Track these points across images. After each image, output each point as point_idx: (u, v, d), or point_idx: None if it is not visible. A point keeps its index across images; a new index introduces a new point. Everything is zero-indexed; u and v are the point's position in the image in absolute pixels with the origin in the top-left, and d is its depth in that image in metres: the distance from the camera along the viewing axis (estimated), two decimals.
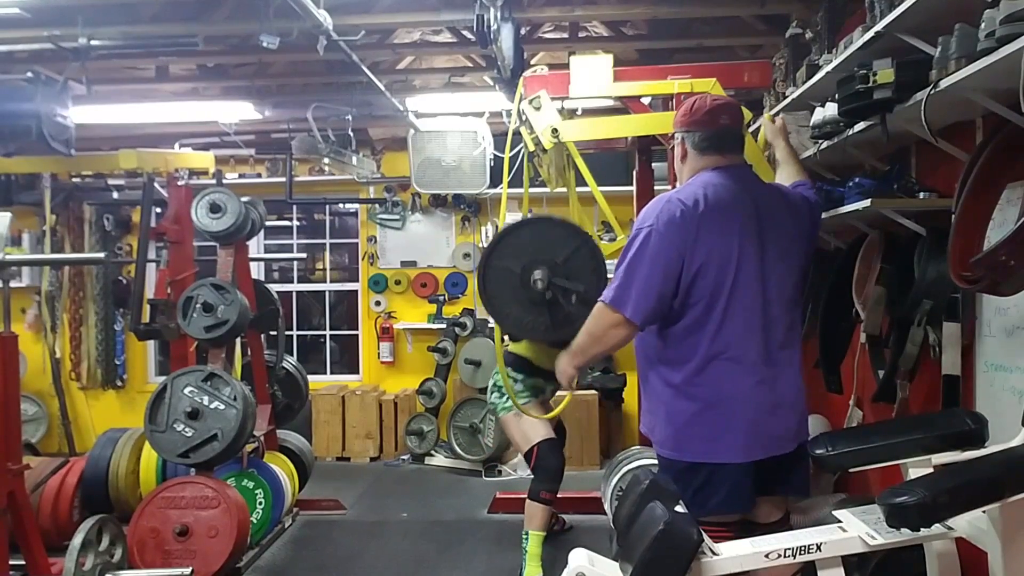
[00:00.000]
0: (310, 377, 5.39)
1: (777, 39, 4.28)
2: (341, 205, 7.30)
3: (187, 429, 3.65)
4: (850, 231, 3.36)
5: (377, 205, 6.89)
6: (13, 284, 3.44)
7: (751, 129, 3.20)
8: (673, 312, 2.30)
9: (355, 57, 4.21)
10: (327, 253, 7.44)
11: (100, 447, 4.53)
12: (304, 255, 7.12)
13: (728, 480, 2.25)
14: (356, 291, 7.13)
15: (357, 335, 7.12)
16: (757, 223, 2.32)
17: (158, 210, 5.10)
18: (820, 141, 3.15)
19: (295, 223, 7.29)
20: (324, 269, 7.47)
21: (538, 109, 3.41)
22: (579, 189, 3.82)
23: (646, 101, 3.77)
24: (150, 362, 7.20)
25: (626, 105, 3.80)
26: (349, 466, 6.32)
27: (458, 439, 6.05)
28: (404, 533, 4.61)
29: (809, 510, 3.02)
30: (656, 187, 3.96)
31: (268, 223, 5.34)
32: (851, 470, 2.72)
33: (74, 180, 6.62)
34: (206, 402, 3.68)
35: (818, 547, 2.01)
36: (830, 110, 2.97)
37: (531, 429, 3.67)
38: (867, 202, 2.68)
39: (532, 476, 3.76)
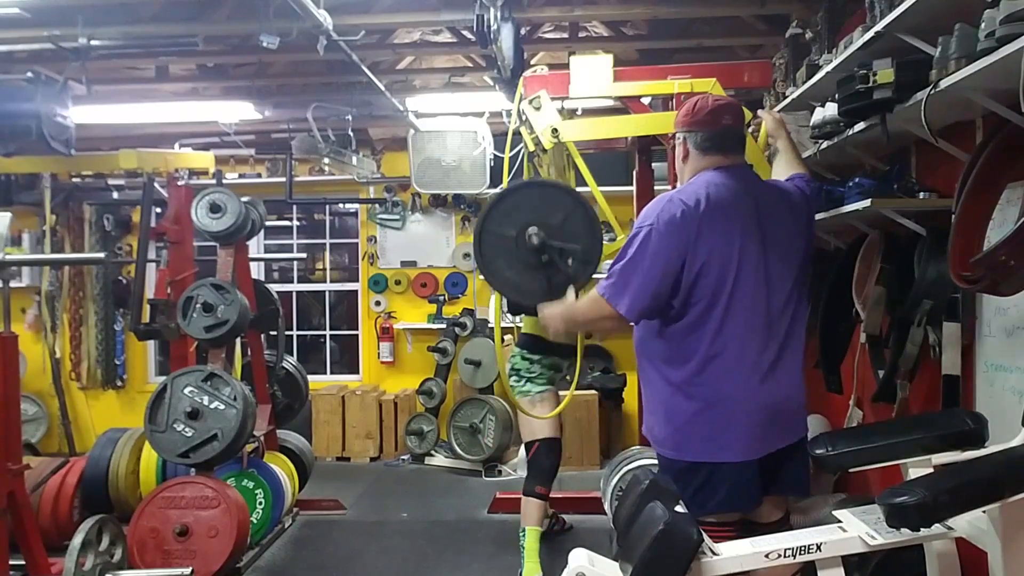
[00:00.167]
0: (310, 377, 5.39)
1: (777, 39, 4.28)
2: (341, 205, 7.30)
3: (187, 429, 3.65)
4: (850, 231, 3.36)
5: (377, 205, 6.89)
6: (13, 284, 3.44)
7: (750, 129, 3.20)
8: (674, 311, 2.30)
9: (355, 57, 4.21)
10: (327, 253, 7.44)
11: (100, 447, 4.53)
12: (304, 255, 7.12)
13: (728, 479, 2.25)
14: (356, 291, 7.14)
15: (357, 335, 7.12)
16: (758, 223, 2.32)
17: (158, 210, 5.10)
18: (820, 141, 3.15)
19: (295, 223, 7.29)
20: (324, 269, 7.47)
21: (538, 109, 3.41)
22: (579, 189, 3.81)
23: (646, 101, 3.77)
24: (150, 362, 7.20)
25: (626, 105, 3.80)
26: (349, 466, 6.32)
27: (458, 439, 6.05)
28: (404, 533, 4.61)
29: (809, 510, 3.03)
30: (656, 187, 3.96)
31: (268, 223, 5.34)
32: (851, 470, 2.72)
33: (74, 180, 6.62)
34: (206, 402, 3.68)
35: (818, 547, 2.01)
36: (830, 110, 2.97)
37: (540, 424, 3.70)
38: (867, 202, 2.68)
39: (526, 472, 3.79)
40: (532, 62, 4.78)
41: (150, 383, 7.01)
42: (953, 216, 2.22)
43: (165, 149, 5.72)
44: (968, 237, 2.19)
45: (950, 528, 1.97)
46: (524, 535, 3.68)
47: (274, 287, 5.58)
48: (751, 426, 2.26)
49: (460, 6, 3.87)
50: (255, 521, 4.07)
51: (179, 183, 4.74)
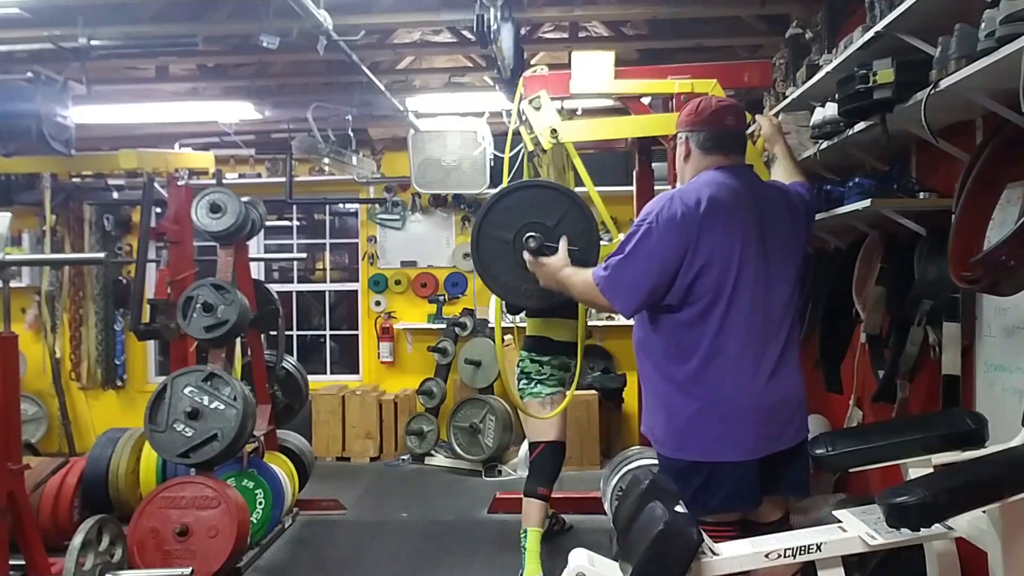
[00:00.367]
0: (310, 377, 5.39)
1: (777, 39, 4.28)
2: (341, 205, 7.30)
3: (187, 429, 3.64)
4: (850, 231, 3.36)
5: (377, 205, 6.89)
6: (13, 284, 3.44)
7: (749, 131, 3.20)
8: (674, 310, 2.31)
9: (355, 57, 4.21)
10: (327, 253, 7.44)
11: (100, 447, 4.53)
12: (304, 255, 7.11)
13: (729, 479, 2.25)
14: (356, 291, 7.13)
15: (357, 335, 7.12)
16: (759, 223, 2.33)
17: (158, 210, 5.10)
18: (820, 141, 3.15)
19: (295, 223, 7.29)
20: (324, 269, 7.47)
21: (538, 109, 3.41)
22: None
23: (646, 101, 3.77)
24: (150, 362, 7.20)
25: (626, 105, 3.80)
26: (349, 466, 6.32)
27: (458, 439, 6.05)
28: (404, 533, 4.61)
29: (809, 510, 3.03)
30: (656, 187, 3.96)
31: (268, 223, 5.34)
32: (851, 470, 2.73)
33: (74, 180, 6.61)
34: (206, 402, 3.68)
35: (818, 547, 2.01)
36: (830, 110, 2.97)
37: (547, 426, 3.71)
38: (867, 202, 2.68)
39: (528, 473, 3.79)
40: (532, 62, 4.78)
41: (150, 383, 7.00)
42: (953, 216, 2.22)
43: (165, 149, 5.72)
44: (968, 237, 2.19)
45: (950, 528, 1.97)
46: (525, 536, 3.68)
47: (274, 287, 5.58)
48: (752, 426, 2.26)
49: (460, 6, 3.87)
50: (255, 521, 4.07)
51: (179, 183, 4.74)
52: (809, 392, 2.48)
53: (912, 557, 2.25)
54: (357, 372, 7.10)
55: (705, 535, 1.94)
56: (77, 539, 3.07)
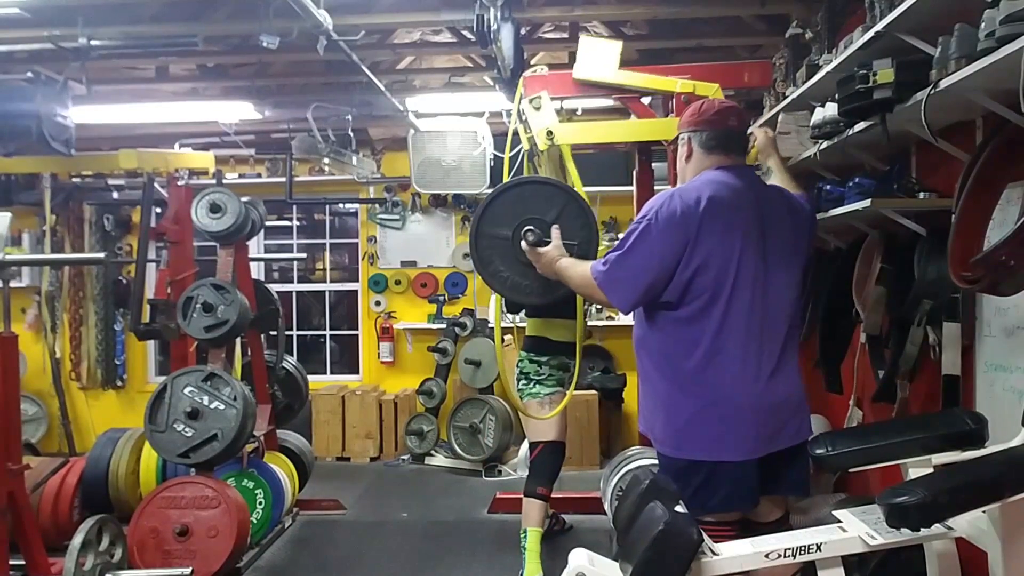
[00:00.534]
0: (310, 377, 5.39)
1: (777, 39, 4.28)
2: (341, 205, 7.30)
3: (187, 429, 3.64)
4: (850, 231, 3.36)
5: (377, 205, 6.89)
6: (13, 284, 3.44)
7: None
8: (672, 307, 2.31)
9: (355, 57, 4.21)
10: (327, 253, 7.44)
11: (100, 447, 4.53)
12: (304, 255, 7.11)
13: (729, 478, 2.25)
14: (356, 291, 7.13)
15: (357, 335, 7.12)
16: (760, 223, 2.33)
17: (158, 210, 5.10)
18: (820, 141, 3.15)
19: (295, 223, 7.29)
20: (324, 269, 7.47)
21: (538, 109, 3.41)
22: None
23: (646, 101, 3.77)
24: (150, 362, 7.20)
25: (626, 105, 3.80)
26: (349, 466, 6.32)
27: (458, 439, 6.05)
28: (404, 533, 4.61)
29: (809, 510, 3.03)
30: (656, 187, 3.96)
31: (268, 223, 5.34)
32: (851, 470, 2.73)
33: (74, 180, 6.62)
34: (206, 402, 3.68)
35: (818, 547, 2.01)
36: (830, 110, 2.97)
37: (547, 426, 3.71)
38: (867, 202, 2.68)
39: (528, 473, 3.80)
40: (532, 62, 4.78)
41: (150, 383, 7.01)
42: (953, 216, 2.22)
43: (165, 149, 5.72)
44: (968, 237, 2.19)
45: (950, 528, 1.97)
46: (525, 536, 3.68)
47: (274, 287, 5.57)
48: (752, 425, 2.26)
49: (460, 6, 3.87)
50: (255, 521, 4.07)
51: (179, 183, 4.74)
52: (809, 392, 2.48)
53: (912, 557, 2.25)
54: (357, 372, 7.10)
55: (705, 535, 1.94)
56: (77, 539, 3.07)
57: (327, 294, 7.35)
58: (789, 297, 2.37)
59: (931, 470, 2.06)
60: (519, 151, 3.69)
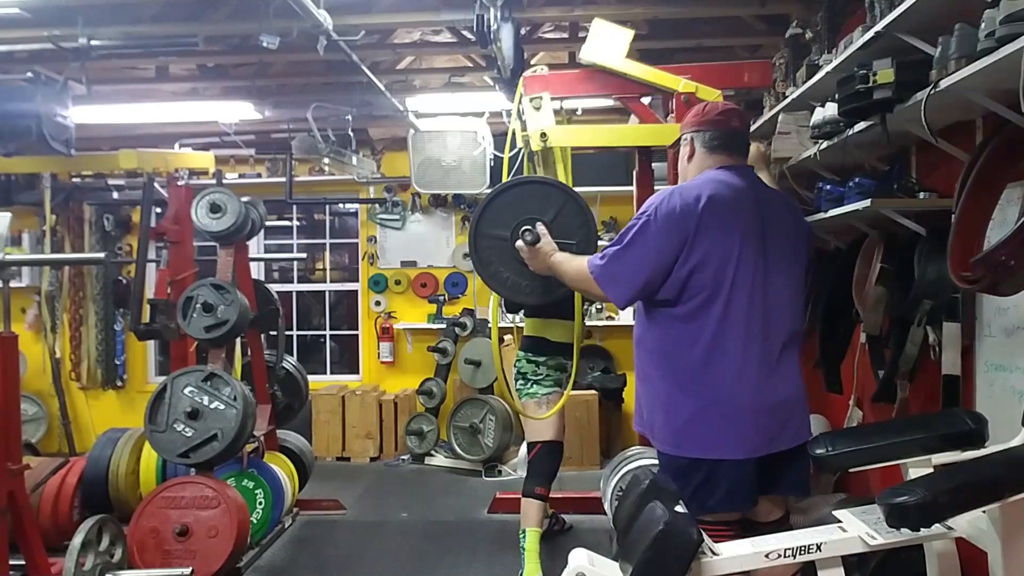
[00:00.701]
0: (310, 377, 5.39)
1: (777, 39, 4.28)
2: (341, 205, 7.30)
3: (187, 429, 3.64)
4: (850, 231, 3.36)
5: (377, 205, 6.89)
6: (13, 284, 3.44)
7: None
8: (671, 304, 2.32)
9: (355, 57, 4.21)
10: (327, 253, 7.44)
11: (100, 447, 4.53)
12: (304, 255, 7.11)
13: (729, 477, 2.26)
14: (356, 291, 7.13)
15: (357, 335, 7.12)
16: (760, 223, 2.33)
17: (158, 210, 5.10)
18: (820, 141, 3.15)
19: (295, 223, 7.29)
20: (324, 269, 7.47)
21: (538, 109, 3.41)
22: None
23: (646, 101, 3.77)
24: (150, 362, 7.20)
25: (626, 106, 3.80)
26: (349, 466, 6.32)
27: (458, 439, 6.05)
28: (404, 533, 4.61)
29: (809, 510, 3.03)
30: (656, 187, 3.96)
31: (268, 223, 5.34)
32: (851, 470, 2.73)
33: (74, 180, 6.62)
34: (206, 402, 3.68)
35: (818, 547, 2.01)
36: (830, 110, 2.97)
37: (544, 426, 3.71)
38: (867, 202, 2.68)
39: (526, 473, 3.80)
40: (532, 62, 4.78)
41: (150, 383, 7.01)
42: (953, 216, 2.22)
43: (165, 149, 5.72)
44: (968, 237, 2.19)
45: (950, 528, 1.97)
46: (524, 536, 3.68)
47: (274, 287, 5.57)
48: (752, 425, 2.26)
49: (460, 6, 3.87)
50: (255, 521, 4.07)
51: (179, 183, 4.74)
52: (809, 392, 2.48)
53: (912, 557, 2.25)
54: (357, 372, 7.10)
55: (705, 535, 1.94)
56: (77, 539, 3.07)
57: (327, 294, 7.35)
58: (789, 297, 2.37)
59: (931, 470, 2.06)
60: (519, 151, 3.69)
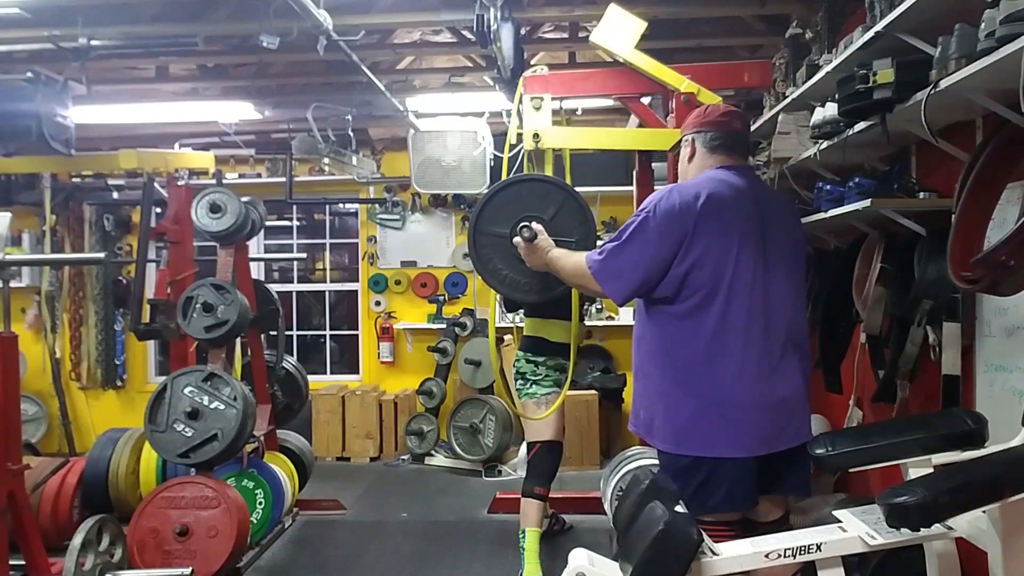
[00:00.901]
0: (310, 377, 5.39)
1: (777, 39, 4.28)
2: (341, 205, 7.30)
3: (187, 429, 3.64)
4: (850, 231, 3.36)
5: (377, 205, 6.90)
6: (13, 284, 3.44)
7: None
8: (669, 302, 2.32)
9: (355, 57, 4.21)
10: (327, 253, 7.44)
11: (100, 447, 4.53)
12: (304, 255, 7.11)
13: (729, 477, 2.26)
14: (356, 291, 7.14)
15: (357, 335, 7.12)
16: (760, 222, 2.33)
17: (158, 210, 5.10)
18: (820, 141, 3.15)
19: (295, 223, 7.29)
20: (324, 269, 7.47)
21: (538, 109, 3.41)
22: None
23: (646, 101, 3.77)
24: (150, 362, 7.20)
25: (626, 105, 3.80)
26: (349, 466, 6.32)
27: (458, 439, 6.05)
28: (404, 533, 4.61)
29: (809, 510, 3.03)
30: (656, 187, 3.96)
31: (268, 223, 5.34)
32: (851, 470, 2.73)
33: (74, 180, 6.63)
34: (206, 402, 3.68)
35: (818, 547, 2.01)
36: (830, 110, 2.97)
37: (543, 426, 3.71)
38: (867, 202, 2.68)
39: (525, 473, 3.80)
40: (532, 62, 4.78)
41: (150, 383, 7.01)
42: (953, 216, 2.22)
43: (165, 149, 5.72)
44: (968, 237, 2.19)
45: (950, 528, 1.97)
46: (524, 536, 3.68)
47: (274, 287, 5.58)
48: (753, 424, 2.26)
49: (460, 6, 3.87)
50: (255, 521, 4.07)
51: (179, 183, 4.74)
52: (809, 392, 2.48)
53: (912, 557, 2.25)
54: (357, 372, 7.10)
55: (705, 535, 1.94)
56: (77, 539, 3.07)
57: (327, 294, 7.35)
58: (791, 297, 2.37)
59: (931, 470, 2.06)
60: (519, 151, 3.69)
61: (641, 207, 2.37)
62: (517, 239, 2.68)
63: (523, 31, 4.55)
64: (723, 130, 2.44)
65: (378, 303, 6.94)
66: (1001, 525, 1.81)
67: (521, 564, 3.66)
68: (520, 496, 3.77)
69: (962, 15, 2.10)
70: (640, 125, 3.99)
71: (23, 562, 3.17)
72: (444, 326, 6.60)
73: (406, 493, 5.47)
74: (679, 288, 2.29)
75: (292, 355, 6.15)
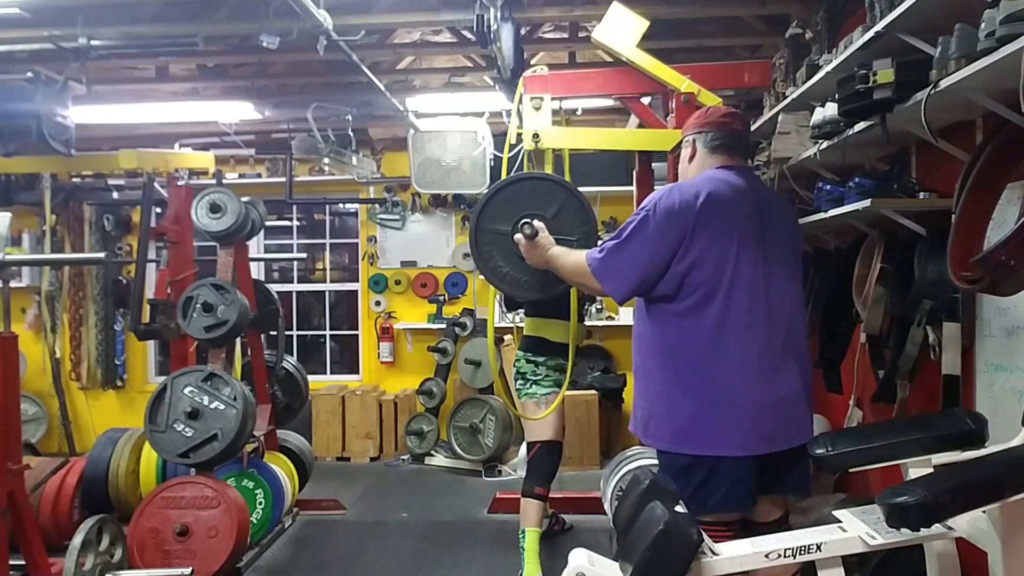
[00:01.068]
0: (310, 377, 5.39)
1: (777, 39, 4.28)
2: (341, 205, 7.30)
3: (187, 429, 3.64)
4: (850, 231, 3.36)
5: (377, 205, 6.90)
6: (13, 284, 3.44)
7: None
8: (669, 300, 2.32)
9: (355, 57, 4.21)
10: (327, 253, 7.44)
11: (100, 447, 4.53)
12: (304, 255, 7.11)
13: (729, 476, 2.25)
14: (356, 291, 7.14)
15: (357, 335, 7.12)
16: (759, 222, 2.34)
17: (158, 210, 5.10)
18: (820, 141, 3.15)
19: (295, 223, 7.29)
20: (324, 269, 7.47)
21: (537, 109, 3.41)
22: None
23: (646, 101, 3.77)
24: (150, 362, 7.20)
25: (626, 105, 3.80)
26: (349, 466, 6.32)
27: (458, 439, 6.05)
28: (404, 533, 4.61)
29: (809, 510, 3.03)
30: (656, 187, 3.96)
31: (268, 223, 5.34)
32: (851, 470, 2.73)
33: (74, 180, 6.63)
34: (206, 402, 3.68)
35: (818, 547, 2.01)
36: (830, 110, 2.97)
37: (543, 426, 3.71)
38: (867, 202, 2.68)
39: (525, 473, 3.80)
40: (532, 62, 4.78)
41: (150, 383, 7.01)
42: (953, 216, 2.22)
43: (165, 149, 5.72)
44: (968, 237, 2.19)
45: (950, 528, 1.97)
46: (524, 536, 3.68)
47: (274, 287, 5.57)
48: (753, 423, 2.26)
49: (460, 6, 3.87)
50: (255, 521, 4.07)
51: (179, 183, 4.74)
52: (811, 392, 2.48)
53: (912, 557, 2.25)
54: (357, 372, 7.10)
55: (705, 535, 1.94)
56: (77, 539, 3.07)
57: (327, 294, 7.35)
58: (790, 297, 2.38)
59: (931, 470, 2.06)
60: (519, 151, 3.69)
61: (641, 206, 2.37)
62: (518, 236, 2.68)
63: (523, 31, 4.55)
64: (724, 131, 2.45)
65: (378, 303, 6.94)
66: (1001, 525, 1.81)
67: (521, 564, 3.66)
68: (520, 496, 3.77)
69: (962, 15, 2.10)
70: (640, 125, 3.99)
71: (23, 562, 3.17)
72: (444, 326, 6.60)
73: (406, 493, 5.47)
74: (679, 286, 2.29)
75: (292, 355, 6.15)
